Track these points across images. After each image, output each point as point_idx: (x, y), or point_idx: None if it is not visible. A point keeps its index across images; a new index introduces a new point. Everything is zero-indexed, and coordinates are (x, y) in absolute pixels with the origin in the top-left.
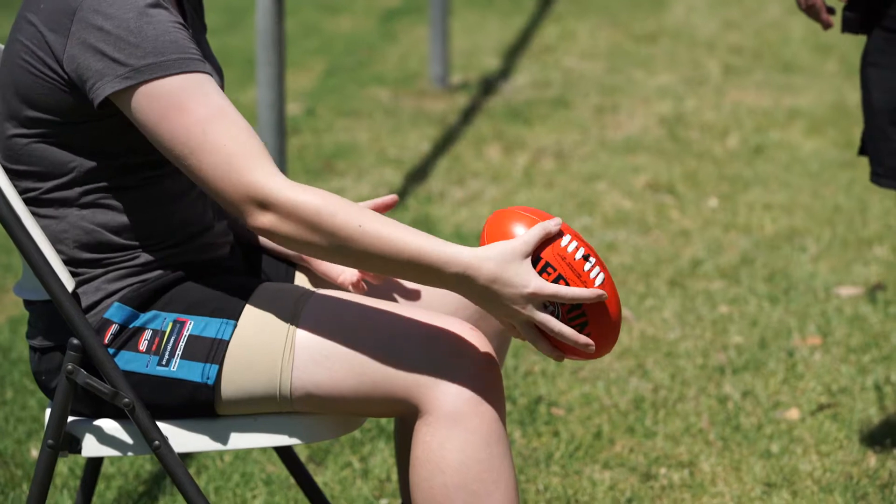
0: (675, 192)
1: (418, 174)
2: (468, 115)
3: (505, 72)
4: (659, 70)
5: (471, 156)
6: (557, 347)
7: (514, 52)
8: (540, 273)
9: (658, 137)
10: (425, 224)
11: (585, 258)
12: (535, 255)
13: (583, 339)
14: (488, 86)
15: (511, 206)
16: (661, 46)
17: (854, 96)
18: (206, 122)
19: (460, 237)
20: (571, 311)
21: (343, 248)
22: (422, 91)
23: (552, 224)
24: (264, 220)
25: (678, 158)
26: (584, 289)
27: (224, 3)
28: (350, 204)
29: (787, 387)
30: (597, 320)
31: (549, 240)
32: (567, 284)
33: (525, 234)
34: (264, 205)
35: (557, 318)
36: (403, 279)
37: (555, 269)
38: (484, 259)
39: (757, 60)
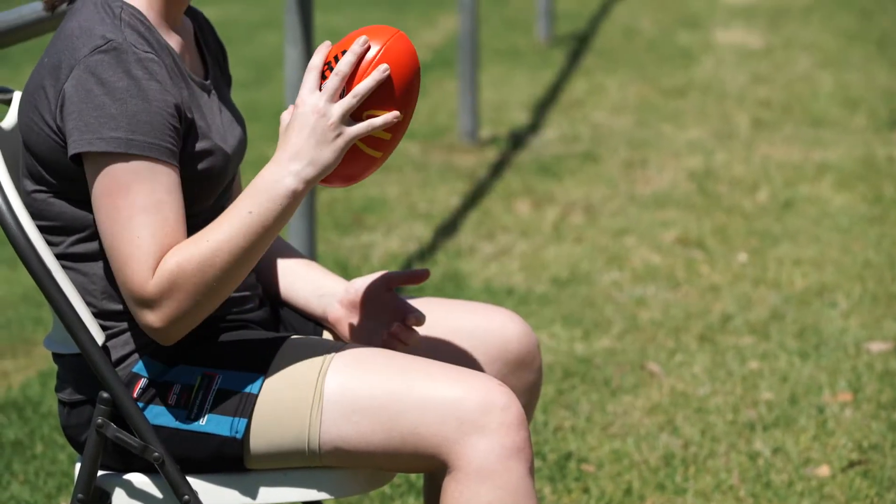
0: (704, 247)
1: (448, 228)
2: (497, 169)
3: (534, 126)
4: (688, 124)
5: (500, 210)
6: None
7: (543, 107)
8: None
9: (687, 192)
10: (454, 279)
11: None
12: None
13: (389, 115)
14: (517, 140)
15: (539, 261)
16: (690, 101)
17: (883, 151)
18: (135, 210)
19: (489, 292)
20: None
21: (221, 275)
22: (451, 145)
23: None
24: (148, 318)
25: (707, 213)
26: (366, 79)
27: (253, 57)
28: (188, 242)
29: (817, 443)
30: (392, 60)
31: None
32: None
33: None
34: (143, 303)
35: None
36: (272, 238)
37: (329, 66)
38: (279, 154)
39: (786, 115)
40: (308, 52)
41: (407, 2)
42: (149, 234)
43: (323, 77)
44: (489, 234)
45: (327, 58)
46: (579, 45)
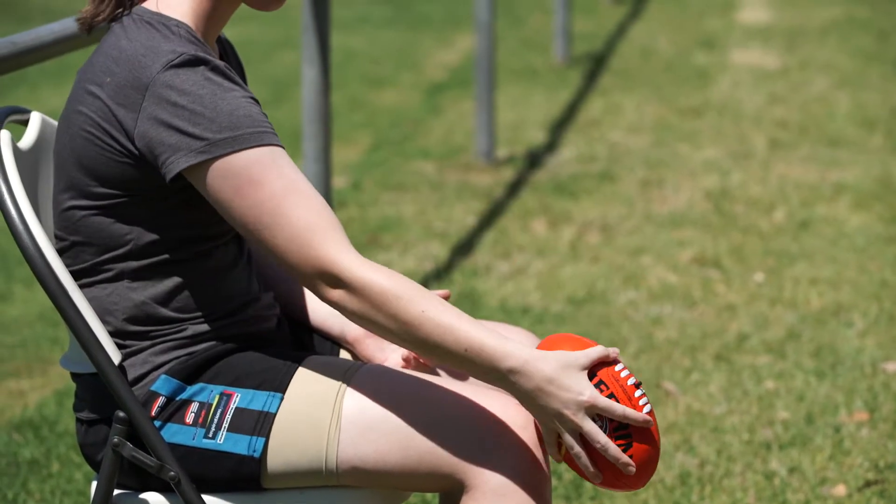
0: (720, 266)
1: (464, 248)
2: (514, 188)
3: (551, 146)
4: (705, 144)
5: (516, 230)
6: (597, 465)
7: (559, 126)
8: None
9: (704, 212)
10: (470, 298)
11: (637, 385)
12: (591, 372)
13: (625, 458)
14: (534, 160)
15: (555, 280)
16: (706, 121)
17: None
18: (280, 197)
19: (505, 311)
20: (618, 431)
21: (404, 332)
22: (467, 165)
23: (612, 350)
24: (334, 294)
25: (724, 233)
26: (635, 410)
27: (270, 76)
28: (418, 288)
29: (833, 463)
30: (639, 446)
31: (606, 363)
32: None
33: (587, 350)
34: (335, 280)
35: (605, 432)
36: (458, 368)
37: (608, 388)
38: (542, 359)
39: (803, 135)
40: (325, 72)
41: (424, 22)
42: (309, 212)
43: (604, 386)
44: (505, 253)
45: (617, 375)
46: (596, 66)
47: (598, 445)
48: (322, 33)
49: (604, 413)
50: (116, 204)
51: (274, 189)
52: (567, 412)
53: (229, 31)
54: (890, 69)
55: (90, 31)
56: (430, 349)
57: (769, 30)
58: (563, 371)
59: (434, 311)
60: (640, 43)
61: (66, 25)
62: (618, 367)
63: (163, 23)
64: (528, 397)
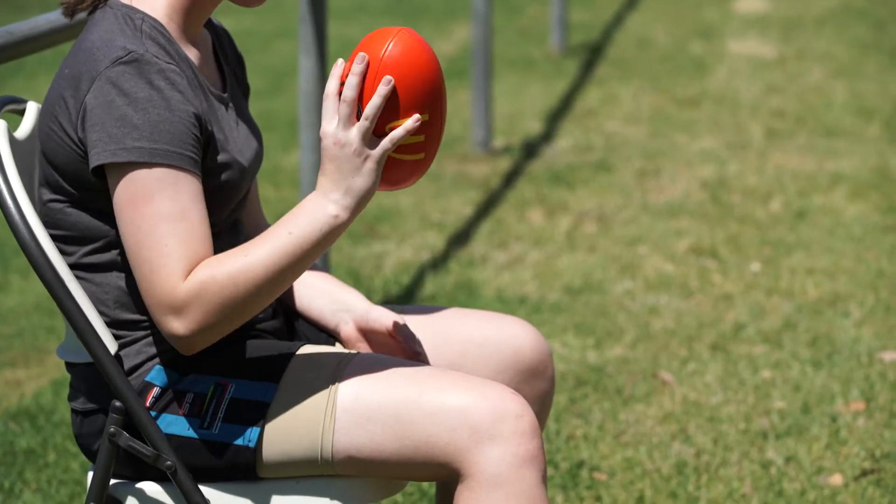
0: (717, 256)
1: (461, 238)
2: (510, 178)
3: (547, 136)
4: (701, 134)
5: (513, 219)
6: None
7: (556, 117)
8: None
9: (700, 201)
10: (467, 288)
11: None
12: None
13: (410, 121)
14: (530, 150)
15: (552, 270)
16: (703, 111)
17: None
18: (159, 219)
19: (502, 301)
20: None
21: (249, 292)
22: (464, 155)
23: (337, 62)
24: (174, 325)
25: (721, 222)
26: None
27: (267, 66)
28: (222, 256)
29: (830, 452)
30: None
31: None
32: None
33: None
34: (173, 310)
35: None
36: (316, 257)
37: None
38: (317, 190)
39: (800, 125)
40: (322, 62)
41: (420, 11)
42: (176, 241)
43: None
44: (502, 243)
45: (341, 78)
46: (593, 56)
47: (394, 140)
48: (319, 23)
49: (363, 126)
50: (84, 198)
51: (159, 209)
52: (362, 165)
53: (225, 22)
54: (887, 59)
55: (73, 16)
56: (279, 281)
57: (766, 19)
58: (323, 166)
59: (248, 255)
60: (637, 33)
61: (62, 16)
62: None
63: (128, 15)
64: (348, 191)
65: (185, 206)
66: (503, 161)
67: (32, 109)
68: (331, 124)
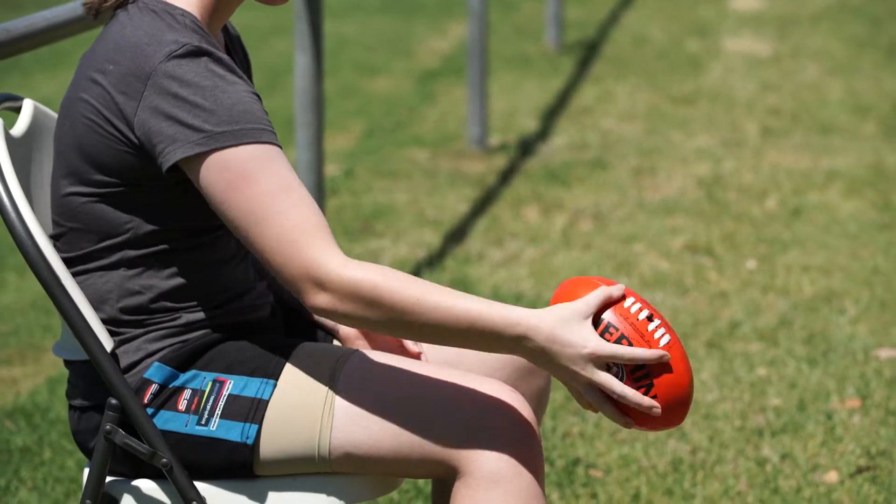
0: (713, 253)
1: (456, 235)
2: (506, 176)
3: (543, 133)
4: (697, 132)
5: (509, 217)
6: (626, 413)
7: (552, 114)
8: (601, 334)
9: (696, 199)
10: (463, 285)
11: (649, 318)
12: (597, 318)
13: (647, 401)
14: (526, 147)
15: (549, 268)
16: (699, 108)
17: (892, 158)
18: (272, 195)
19: (498, 298)
20: (636, 372)
21: (402, 322)
22: (460, 152)
23: (615, 288)
24: (320, 299)
25: (716, 220)
26: (646, 349)
27: (263, 64)
28: (407, 277)
29: (825, 449)
30: (663, 383)
31: (611, 302)
32: (630, 345)
33: (586, 296)
34: (320, 284)
35: (621, 380)
36: (464, 347)
37: (616, 329)
38: (542, 319)
39: (795, 122)
40: (318, 60)
41: (416, 8)
42: (298, 212)
43: (613, 328)
44: (498, 240)
45: (626, 313)
46: (588, 53)
47: (616, 395)
48: (315, 20)
49: (611, 360)
50: (116, 192)
51: (267, 187)
52: (576, 368)
53: None
54: (882, 56)
55: (97, 15)
56: (432, 334)
57: (761, 17)
58: (563, 326)
59: (430, 295)
60: (633, 30)
61: (59, 13)
62: (627, 303)
63: (168, 11)
64: (538, 360)
65: (286, 177)
66: (499, 158)
67: (29, 107)
68: (596, 340)
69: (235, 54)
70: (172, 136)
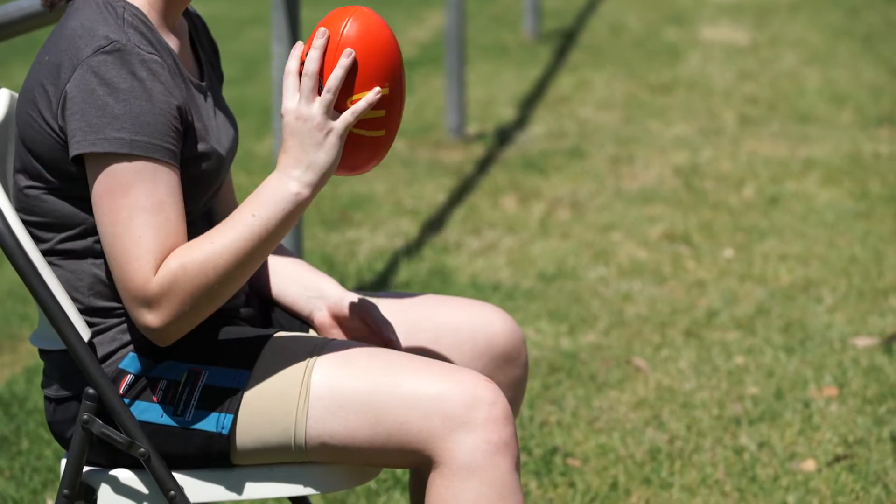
0: (690, 242)
1: (434, 224)
2: (484, 165)
3: (520, 122)
4: (674, 120)
5: (486, 206)
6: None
7: (529, 103)
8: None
9: (674, 188)
10: (441, 274)
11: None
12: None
13: (370, 94)
14: (504, 136)
15: (526, 257)
16: (676, 97)
17: (869, 147)
18: (136, 210)
19: (476, 287)
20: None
21: (223, 268)
22: (438, 142)
23: (296, 45)
24: (148, 318)
25: (694, 209)
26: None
27: (240, 53)
28: (191, 244)
29: (803, 438)
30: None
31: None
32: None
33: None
34: (141, 301)
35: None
36: (281, 237)
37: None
38: (282, 148)
39: (772, 111)
40: None
41: None
42: (151, 233)
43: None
44: (475, 229)
45: (301, 58)
46: (566, 42)
47: (357, 113)
48: (292, 9)
49: (325, 100)
50: (62, 186)
51: (136, 202)
52: (324, 140)
53: (198, 8)
54: (859, 45)
55: (52, 7)
56: (248, 251)
57: (739, 6)
58: (284, 143)
59: (209, 233)
60: (610, 19)
61: (35, 2)
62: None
63: (110, 3)
64: (309, 167)
65: (161, 199)
66: (477, 147)
67: (4, 97)
68: (292, 100)
69: (200, 41)
70: (76, 130)
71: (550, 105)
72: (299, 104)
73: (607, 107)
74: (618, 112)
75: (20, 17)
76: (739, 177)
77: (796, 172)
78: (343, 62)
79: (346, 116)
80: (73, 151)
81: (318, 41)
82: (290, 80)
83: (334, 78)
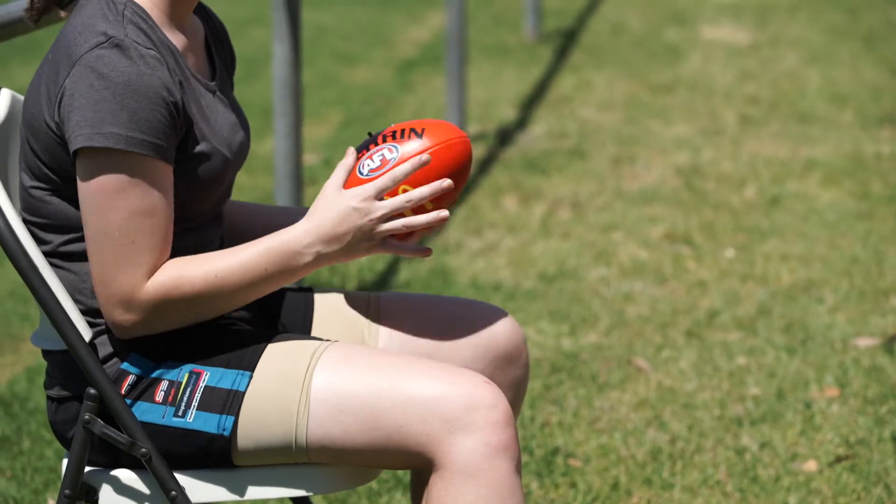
0: (691, 242)
1: None
2: (485, 165)
3: (521, 122)
4: (676, 121)
5: (487, 206)
6: (418, 232)
7: (530, 103)
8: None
9: (675, 188)
10: (442, 275)
11: (380, 157)
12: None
13: (432, 216)
14: (505, 136)
15: (527, 257)
16: (677, 97)
17: (870, 147)
18: (132, 213)
19: (477, 288)
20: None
21: (213, 302)
22: None
23: (348, 151)
24: (122, 317)
25: (695, 209)
26: (393, 172)
27: (241, 53)
28: (191, 261)
29: (804, 438)
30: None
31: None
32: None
33: (332, 176)
34: (128, 306)
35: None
36: (278, 287)
37: (375, 167)
38: (314, 217)
39: (773, 111)
40: (296, 49)
41: None
42: (145, 239)
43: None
44: (476, 229)
45: (402, 158)
46: (567, 42)
47: (410, 226)
48: (293, 10)
49: (385, 208)
50: (64, 187)
51: (131, 203)
52: (364, 241)
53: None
54: (860, 45)
55: (37, 21)
56: (243, 294)
57: (740, 5)
58: (333, 215)
59: (216, 263)
60: (611, 19)
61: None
62: (362, 162)
63: (112, 1)
64: (340, 254)
65: (155, 201)
66: (477, 148)
67: (6, 97)
68: (369, 187)
69: (217, 43)
70: (73, 125)
71: (551, 105)
72: (370, 191)
73: (608, 107)
74: (619, 112)
75: (21, 17)
76: (740, 177)
77: (797, 173)
78: (435, 186)
79: (397, 223)
80: (72, 146)
81: (434, 189)
82: (350, 160)
83: (419, 193)
